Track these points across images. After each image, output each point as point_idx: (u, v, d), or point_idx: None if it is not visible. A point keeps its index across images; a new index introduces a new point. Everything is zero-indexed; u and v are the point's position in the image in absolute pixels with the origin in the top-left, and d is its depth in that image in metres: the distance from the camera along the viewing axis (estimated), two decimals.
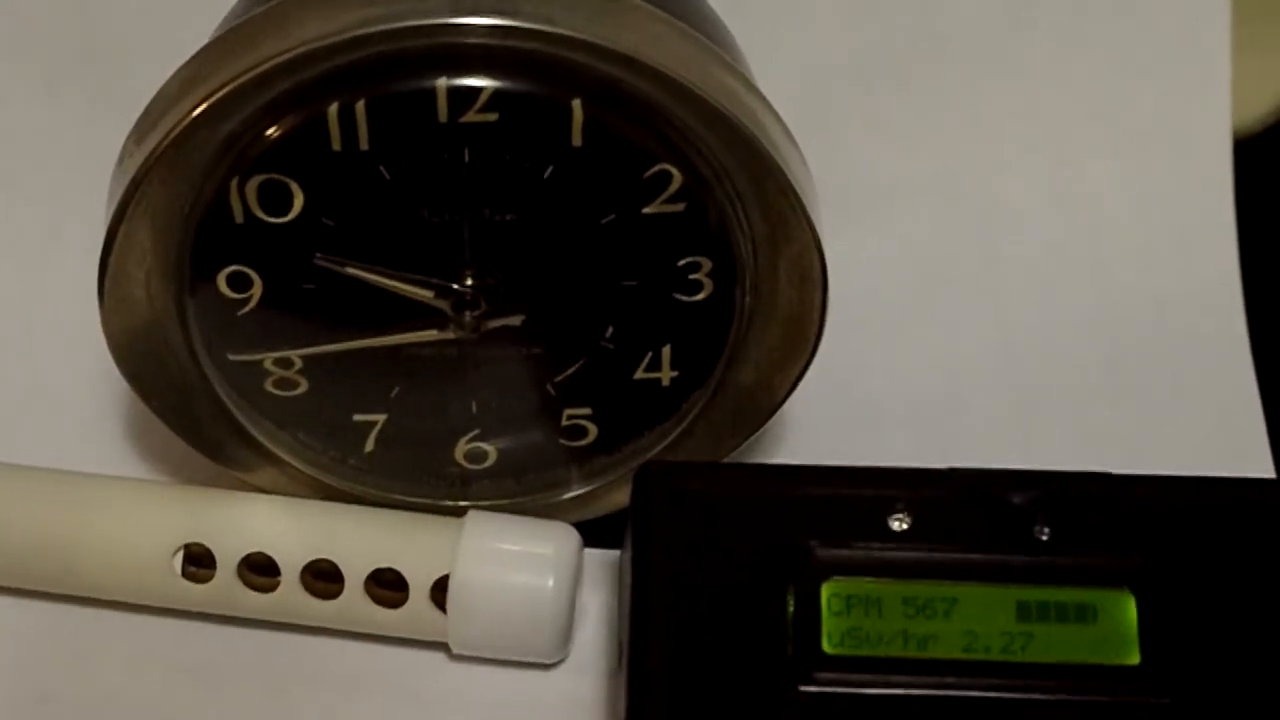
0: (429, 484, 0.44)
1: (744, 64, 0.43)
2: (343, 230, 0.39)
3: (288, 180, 0.38)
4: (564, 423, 0.43)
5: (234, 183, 0.38)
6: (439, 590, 0.42)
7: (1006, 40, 0.54)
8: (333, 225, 0.39)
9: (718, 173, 0.39)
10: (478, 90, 0.37)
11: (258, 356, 0.41)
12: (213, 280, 0.40)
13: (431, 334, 0.41)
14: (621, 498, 0.43)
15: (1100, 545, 0.39)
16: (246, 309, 0.40)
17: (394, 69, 0.37)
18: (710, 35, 0.41)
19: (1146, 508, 0.40)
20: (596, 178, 0.39)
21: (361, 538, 0.43)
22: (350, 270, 0.40)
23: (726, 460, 0.44)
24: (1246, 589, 0.39)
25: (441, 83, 0.37)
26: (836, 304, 0.41)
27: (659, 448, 0.44)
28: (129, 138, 0.39)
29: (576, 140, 0.38)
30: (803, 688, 0.38)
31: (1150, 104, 0.54)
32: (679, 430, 0.43)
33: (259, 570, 0.43)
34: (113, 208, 0.39)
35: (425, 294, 0.40)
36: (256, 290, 0.40)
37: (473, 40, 0.37)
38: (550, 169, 0.38)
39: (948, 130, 0.54)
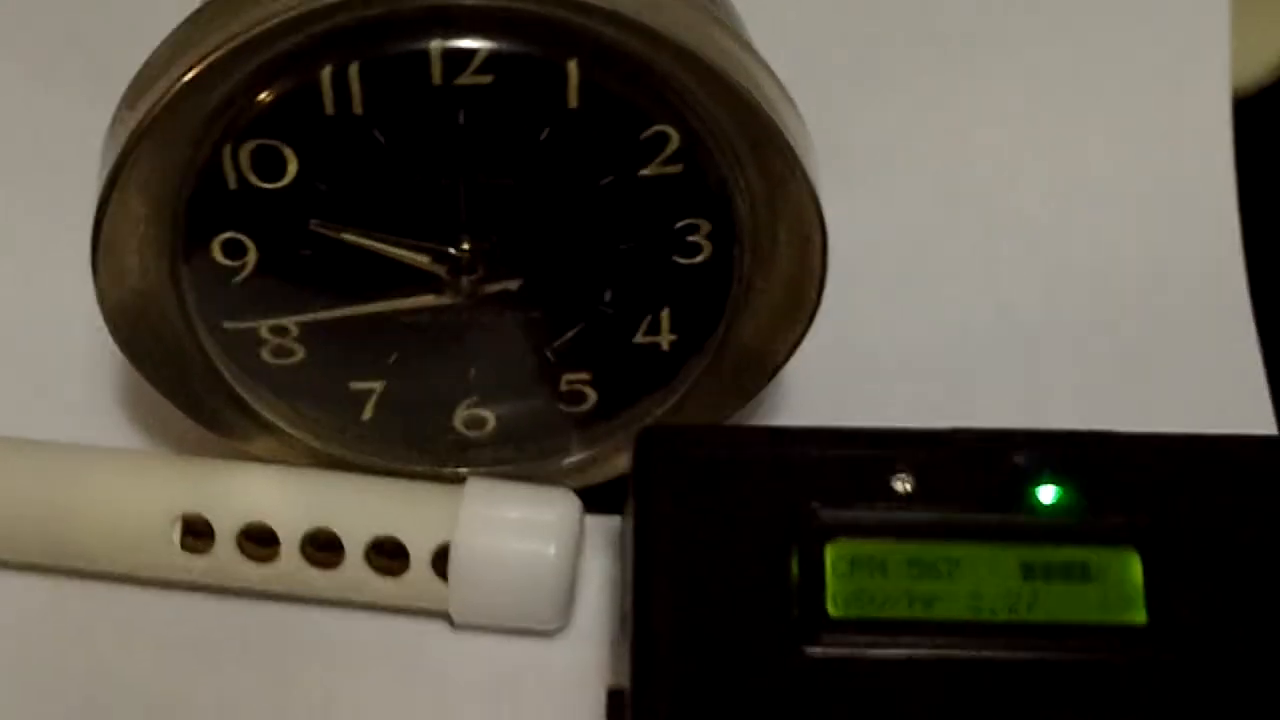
0: (428, 451, 0.44)
1: (740, 25, 0.43)
2: (337, 195, 0.39)
3: (281, 145, 0.38)
4: (563, 388, 0.43)
5: (227, 148, 0.38)
6: (440, 559, 0.42)
7: None
8: (327, 190, 0.39)
9: (715, 133, 0.39)
10: (472, 52, 0.37)
11: (253, 324, 0.41)
12: (207, 247, 0.40)
13: (428, 299, 0.40)
14: (622, 463, 0.43)
15: (1104, 504, 0.39)
16: (241, 276, 0.40)
17: (387, 31, 0.37)
18: None
19: (1150, 466, 0.40)
20: (593, 139, 0.38)
21: (361, 506, 0.42)
22: (345, 236, 0.39)
23: (727, 423, 0.44)
24: (1251, 546, 0.39)
25: (435, 45, 0.37)
26: (835, 265, 0.41)
27: (659, 412, 0.43)
28: (120, 104, 0.38)
29: (572, 101, 0.38)
30: (808, 650, 0.38)
31: (1149, 64, 0.54)
32: (679, 394, 0.43)
33: (258, 540, 0.43)
34: (105, 175, 0.38)
35: (421, 259, 0.40)
36: (251, 257, 0.40)
37: (467, 1, 0.36)
38: (546, 131, 0.38)
39: (945, 86, 0.54)
